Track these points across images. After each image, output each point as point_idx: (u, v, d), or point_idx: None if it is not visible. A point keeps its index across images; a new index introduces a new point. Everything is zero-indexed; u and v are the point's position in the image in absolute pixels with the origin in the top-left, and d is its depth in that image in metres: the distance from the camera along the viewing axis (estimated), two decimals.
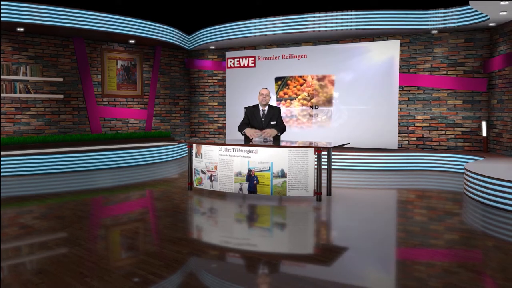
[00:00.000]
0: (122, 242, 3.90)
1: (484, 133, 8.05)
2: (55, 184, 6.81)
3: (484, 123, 8.05)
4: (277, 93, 8.83)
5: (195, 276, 3.10)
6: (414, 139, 8.77)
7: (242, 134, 6.14)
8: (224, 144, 5.80)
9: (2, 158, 7.30)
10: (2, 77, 8.05)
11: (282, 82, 8.62)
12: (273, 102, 9.25)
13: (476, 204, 5.29)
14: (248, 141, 5.84)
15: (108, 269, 3.15)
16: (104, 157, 8.28)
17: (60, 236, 3.99)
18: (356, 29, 8.25)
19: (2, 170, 7.27)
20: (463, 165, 7.20)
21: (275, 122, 6.09)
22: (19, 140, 7.91)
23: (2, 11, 7.33)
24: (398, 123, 8.74)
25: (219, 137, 10.73)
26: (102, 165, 8.23)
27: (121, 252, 3.59)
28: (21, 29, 8.09)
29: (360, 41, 9.06)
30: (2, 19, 7.36)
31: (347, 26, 8.26)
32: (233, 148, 5.69)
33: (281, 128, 6.08)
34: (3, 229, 4.20)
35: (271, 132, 5.88)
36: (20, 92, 8.25)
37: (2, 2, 7.33)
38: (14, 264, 3.28)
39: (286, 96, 8.77)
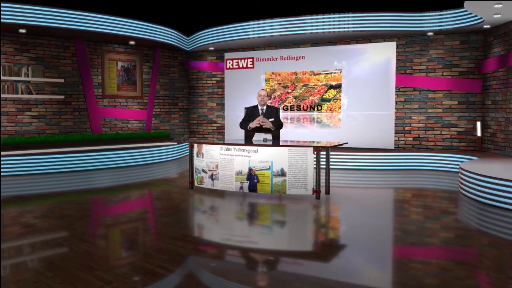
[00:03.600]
0: (128, 238, 4.00)
1: (478, 133, 8.19)
2: (56, 183, 6.90)
3: (478, 123, 8.19)
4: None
5: (199, 271, 3.21)
6: (411, 139, 8.91)
7: (248, 129, 6.26)
8: (225, 143, 5.91)
9: (4, 158, 7.38)
10: (4, 78, 8.14)
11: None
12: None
13: (471, 202, 5.40)
14: (248, 141, 5.98)
15: (117, 263, 3.26)
16: (104, 157, 8.37)
17: (66, 233, 4.08)
18: (354, 31, 8.38)
19: (4, 169, 7.36)
20: (458, 165, 7.32)
21: (273, 119, 6.27)
22: (21, 140, 7.99)
23: (4, 13, 7.42)
24: (395, 123, 8.87)
25: (218, 138, 10.83)
26: (103, 165, 8.32)
27: (127, 248, 3.70)
28: (23, 31, 8.17)
29: (357, 42, 9.20)
30: (5, 21, 7.45)
31: (344, 28, 8.39)
32: (233, 148, 5.80)
33: (278, 124, 6.27)
34: (7, 228, 4.29)
35: (268, 123, 6.07)
36: (22, 93, 8.34)
37: (5, 4, 7.42)
38: (24, 259, 3.39)
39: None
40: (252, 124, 6.16)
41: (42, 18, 7.78)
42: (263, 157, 5.62)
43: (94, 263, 3.24)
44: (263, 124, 6.08)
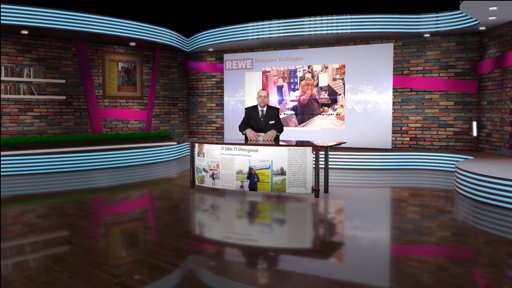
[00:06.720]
0: (132, 235, 4.09)
1: (474, 133, 8.31)
2: (58, 183, 6.96)
3: (474, 124, 8.31)
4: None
5: (201, 268, 3.31)
6: (408, 139, 9.02)
7: (243, 134, 6.35)
8: (226, 143, 6.00)
9: (6, 158, 7.45)
10: (7, 78, 8.21)
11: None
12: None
13: (467, 201, 5.50)
14: (248, 140, 6.06)
15: (123, 259, 3.35)
16: (105, 157, 8.46)
17: (72, 230, 4.17)
18: (351, 32, 8.48)
19: (5, 169, 7.43)
20: (454, 164, 7.42)
21: (273, 122, 6.31)
22: (23, 140, 8.06)
23: (6, 14, 7.51)
24: (392, 123, 8.99)
25: (217, 138, 10.92)
26: (103, 165, 8.41)
27: (132, 244, 3.78)
28: (25, 32, 8.25)
29: (355, 44, 9.31)
30: (7, 22, 7.53)
31: (342, 29, 8.49)
32: (234, 147, 5.90)
33: (279, 128, 6.32)
34: (10, 226, 4.36)
35: (272, 134, 6.11)
36: (24, 93, 8.42)
37: (7, 6, 7.50)
38: (32, 256, 3.47)
39: None
40: (249, 135, 6.20)
41: (44, 19, 7.87)
42: (263, 156, 5.72)
43: (101, 259, 3.34)
44: (269, 139, 6.12)
